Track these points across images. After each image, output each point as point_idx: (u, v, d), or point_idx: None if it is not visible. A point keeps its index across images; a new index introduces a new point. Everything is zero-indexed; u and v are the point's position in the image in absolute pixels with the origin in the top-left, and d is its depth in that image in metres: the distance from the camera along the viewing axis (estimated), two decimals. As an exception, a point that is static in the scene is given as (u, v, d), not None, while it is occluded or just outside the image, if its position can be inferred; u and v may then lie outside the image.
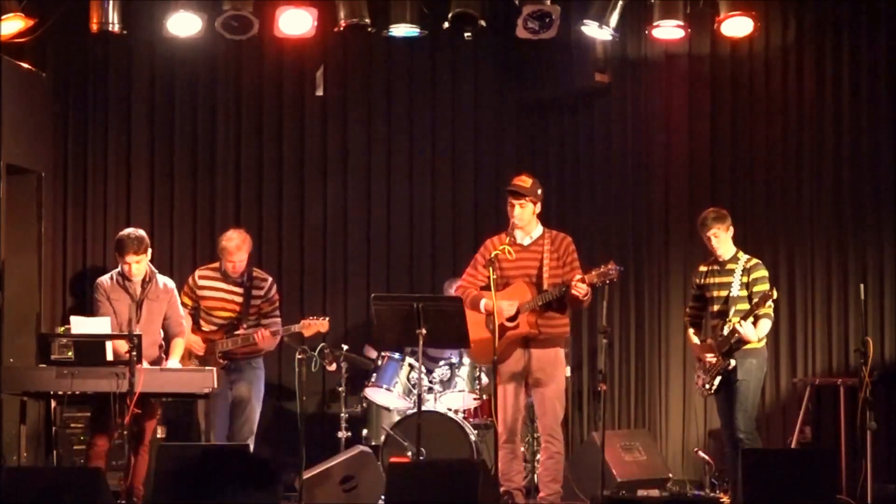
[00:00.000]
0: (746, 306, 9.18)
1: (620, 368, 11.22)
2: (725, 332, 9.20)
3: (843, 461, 9.87)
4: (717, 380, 9.26)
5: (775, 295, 9.19)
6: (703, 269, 9.54)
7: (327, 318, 9.86)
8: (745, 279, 9.28)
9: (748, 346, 9.19)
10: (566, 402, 10.68)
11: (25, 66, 10.73)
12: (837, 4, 10.99)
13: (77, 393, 8.81)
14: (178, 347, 9.35)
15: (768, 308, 9.20)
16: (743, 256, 9.40)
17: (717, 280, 9.38)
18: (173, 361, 9.23)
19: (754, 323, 9.15)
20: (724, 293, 9.31)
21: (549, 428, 8.89)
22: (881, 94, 10.88)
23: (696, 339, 9.51)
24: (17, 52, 10.59)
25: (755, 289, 9.24)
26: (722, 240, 9.36)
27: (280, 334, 9.76)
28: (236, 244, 9.75)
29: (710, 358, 9.28)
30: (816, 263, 10.96)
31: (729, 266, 9.36)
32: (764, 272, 9.36)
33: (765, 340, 9.35)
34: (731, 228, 9.41)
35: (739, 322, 9.10)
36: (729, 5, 10.36)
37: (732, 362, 9.19)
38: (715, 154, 11.20)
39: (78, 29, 10.64)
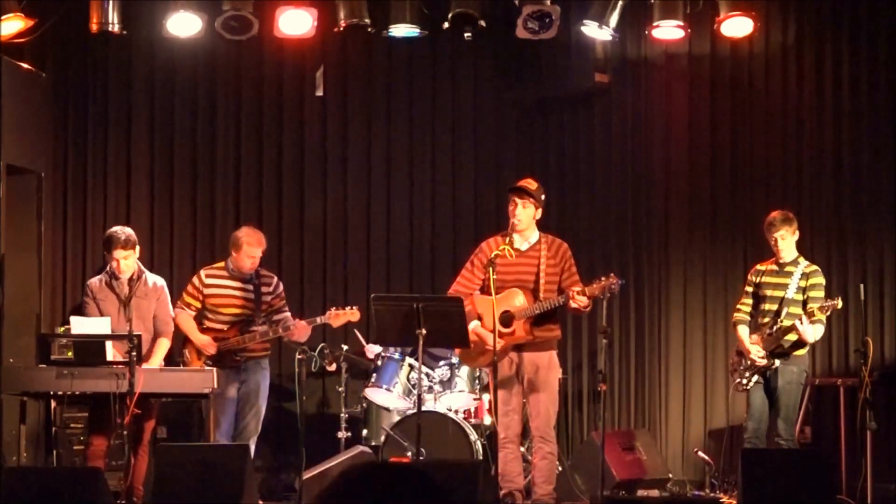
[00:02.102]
0: (799, 310, 9.21)
1: (620, 368, 11.21)
2: (775, 331, 9.20)
3: (842, 461, 9.88)
4: (755, 378, 9.28)
5: (840, 304, 9.22)
6: (761, 267, 9.54)
7: (356, 308, 9.79)
8: (803, 283, 9.30)
9: (793, 353, 9.21)
10: (565, 402, 10.74)
11: (25, 66, 10.73)
12: (837, 4, 10.99)
13: (77, 393, 8.82)
14: (162, 347, 9.34)
15: (824, 314, 9.22)
16: (803, 261, 9.42)
17: (774, 280, 9.38)
18: (155, 361, 9.22)
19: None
20: (779, 294, 9.31)
21: (541, 430, 8.89)
22: (881, 93, 10.88)
23: (745, 336, 9.47)
24: (17, 52, 10.59)
25: (810, 294, 9.27)
26: (787, 242, 9.36)
27: (314, 324, 9.73)
28: (256, 239, 9.67)
29: (758, 354, 9.27)
30: (816, 263, 10.93)
31: (788, 268, 9.37)
32: (822, 279, 9.41)
33: (808, 347, 9.37)
34: (797, 233, 9.40)
35: (801, 320, 9.11)
36: (729, 5, 10.36)
37: (777, 363, 9.22)
38: (715, 154, 11.19)
39: (78, 29, 10.64)
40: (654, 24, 10.43)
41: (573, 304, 8.67)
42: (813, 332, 9.21)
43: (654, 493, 10.06)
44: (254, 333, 9.65)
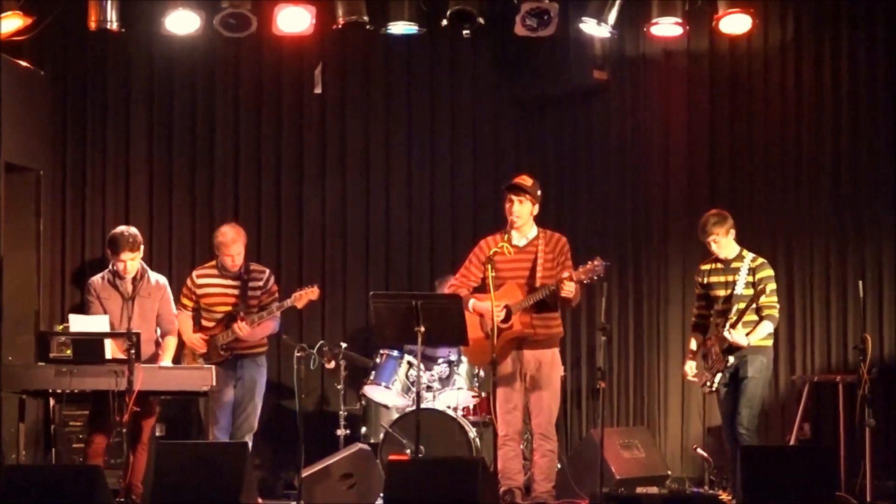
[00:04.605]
0: (751, 305, 9.18)
1: (619, 366, 11.22)
2: (728, 329, 9.20)
3: (841, 458, 9.86)
4: (718, 378, 9.26)
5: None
6: (705, 267, 9.49)
7: (316, 286, 9.81)
8: (751, 278, 9.25)
9: (758, 344, 9.20)
10: (564, 399, 10.73)
11: (24, 64, 10.73)
12: (836, 1, 10.98)
13: (76, 391, 8.83)
14: (169, 345, 9.42)
15: (772, 310, 9.21)
16: (748, 255, 9.36)
17: (722, 279, 9.34)
18: (166, 359, 9.26)
19: (757, 324, 9.17)
20: (727, 292, 9.27)
21: (542, 427, 8.91)
22: (879, 90, 10.87)
23: (693, 344, 9.50)
24: (16, 50, 10.60)
25: (761, 288, 9.22)
26: (723, 244, 9.31)
27: (266, 319, 9.71)
28: (231, 237, 9.75)
29: (690, 373, 9.33)
30: (815, 260, 10.96)
31: (734, 264, 9.33)
32: (770, 272, 9.34)
33: (772, 339, 9.36)
34: (733, 230, 9.36)
35: (728, 330, 9.10)
36: (727, 2, 10.36)
37: (731, 360, 9.19)
38: (713, 151, 11.19)
39: (76, 27, 10.66)
40: (653, 21, 10.44)
41: (563, 293, 8.67)
42: (755, 333, 9.15)
43: (654, 490, 10.06)
44: (234, 328, 9.65)
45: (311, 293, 9.74)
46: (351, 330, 11.20)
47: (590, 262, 8.69)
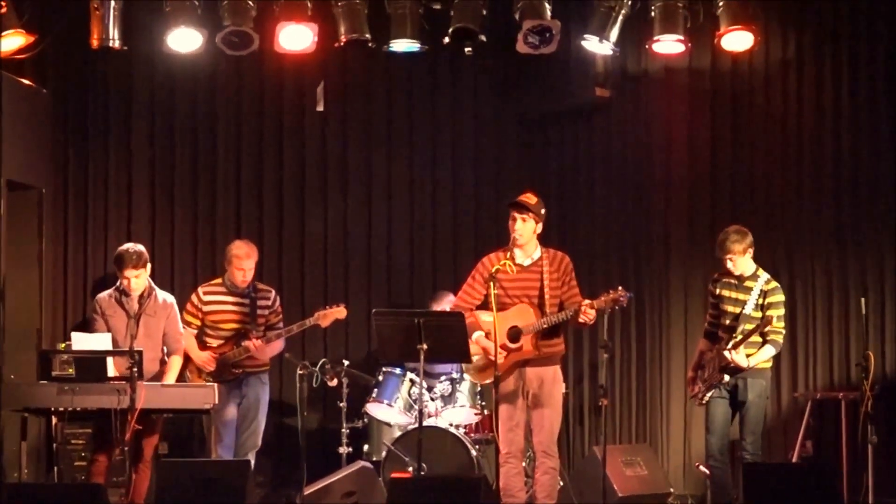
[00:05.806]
0: (756, 332, 9.16)
1: (621, 383, 11.21)
2: (731, 348, 9.17)
3: (844, 475, 9.87)
4: (710, 393, 9.25)
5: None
6: (719, 278, 9.44)
7: (343, 305, 9.89)
8: (761, 301, 9.19)
9: (758, 367, 9.17)
10: (566, 416, 10.73)
11: (26, 82, 10.74)
12: (837, 19, 11.00)
13: (78, 409, 8.83)
14: (174, 365, 9.42)
15: (777, 335, 9.18)
16: (763, 275, 9.29)
17: (733, 294, 9.30)
18: (169, 379, 9.26)
19: (759, 346, 9.15)
20: (737, 309, 9.22)
21: (544, 444, 8.90)
22: (880, 108, 10.89)
23: (697, 353, 9.51)
24: (18, 68, 10.61)
25: (769, 312, 9.16)
26: (739, 263, 9.23)
27: (283, 336, 9.80)
28: (246, 251, 9.84)
29: (710, 368, 9.29)
30: (817, 277, 10.96)
31: (747, 283, 9.27)
32: (781, 297, 9.28)
33: (771, 361, 9.34)
34: (751, 249, 9.29)
35: (729, 350, 9.09)
36: (729, 20, 10.37)
37: (727, 378, 9.18)
38: (715, 168, 11.20)
39: (78, 45, 10.66)
40: (655, 38, 10.45)
41: (582, 319, 8.67)
42: (757, 356, 9.11)
43: (656, 507, 10.07)
44: (247, 346, 9.69)
45: (337, 312, 9.83)
46: (353, 347, 11.19)
47: (612, 292, 8.65)
